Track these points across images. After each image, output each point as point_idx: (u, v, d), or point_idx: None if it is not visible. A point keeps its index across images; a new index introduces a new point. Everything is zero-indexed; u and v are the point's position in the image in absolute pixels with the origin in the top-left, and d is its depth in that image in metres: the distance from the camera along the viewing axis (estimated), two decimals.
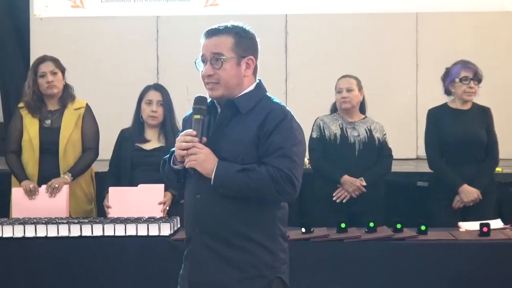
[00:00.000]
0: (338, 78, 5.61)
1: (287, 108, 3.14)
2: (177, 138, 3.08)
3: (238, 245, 3.05)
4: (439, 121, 5.44)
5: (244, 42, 3.10)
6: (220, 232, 3.05)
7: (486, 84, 7.75)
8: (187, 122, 3.22)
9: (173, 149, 3.14)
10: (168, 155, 3.21)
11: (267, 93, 3.19)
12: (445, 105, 5.51)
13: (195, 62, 3.13)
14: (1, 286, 4.38)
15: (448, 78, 5.43)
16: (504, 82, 7.98)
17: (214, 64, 3.05)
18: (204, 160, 3.01)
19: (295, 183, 3.01)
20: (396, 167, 6.23)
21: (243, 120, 3.07)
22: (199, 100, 3.08)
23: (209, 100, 3.12)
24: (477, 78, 5.37)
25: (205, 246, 3.07)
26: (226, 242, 3.05)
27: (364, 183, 5.30)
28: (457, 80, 5.38)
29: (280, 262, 3.13)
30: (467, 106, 5.44)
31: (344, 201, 5.32)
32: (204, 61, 3.09)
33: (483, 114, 5.47)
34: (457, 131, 5.34)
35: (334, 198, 5.32)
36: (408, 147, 7.61)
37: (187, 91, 8.04)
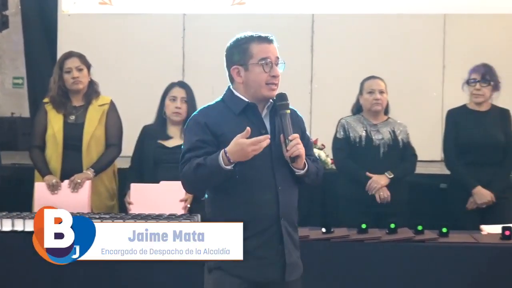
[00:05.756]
0: (365, 79, 5.56)
1: None
2: (242, 141, 3.16)
3: (296, 227, 3.43)
4: (457, 122, 5.45)
5: None
6: (293, 218, 3.39)
7: None
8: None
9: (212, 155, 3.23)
10: (198, 160, 3.23)
11: None
12: (464, 106, 5.52)
13: (279, 63, 3.34)
14: (19, 280, 4.41)
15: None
16: None
17: (279, 68, 3.34)
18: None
19: None
20: (421, 169, 6.20)
21: None
22: (283, 97, 3.33)
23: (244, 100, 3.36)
24: (486, 80, 5.35)
25: (287, 232, 3.33)
26: (294, 226, 3.40)
27: (391, 176, 5.28)
28: (467, 82, 5.39)
29: None
30: (485, 108, 5.44)
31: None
32: (268, 63, 3.31)
33: (502, 116, 5.46)
34: (475, 133, 5.35)
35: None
36: (433, 149, 7.54)
37: (212, 89, 8.04)
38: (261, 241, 3.29)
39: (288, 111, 3.31)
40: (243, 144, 3.14)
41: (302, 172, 3.34)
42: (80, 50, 5.52)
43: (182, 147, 3.33)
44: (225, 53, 3.42)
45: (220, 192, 3.30)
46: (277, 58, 3.33)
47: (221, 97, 3.43)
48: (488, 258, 4.29)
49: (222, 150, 3.17)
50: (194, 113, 3.40)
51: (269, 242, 3.31)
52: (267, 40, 3.34)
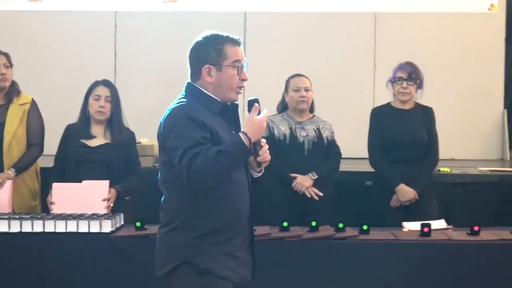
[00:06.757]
0: (290, 77, 5.61)
1: None
2: (257, 119, 3.26)
3: None
4: (381, 120, 5.50)
5: None
6: None
7: (444, 84, 7.87)
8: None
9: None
10: (216, 148, 3.16)
11: None
12: (388, 105, 5.58)
13: (245, 65, 3.34)
14: None
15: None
16: (462, 83, 8.05)
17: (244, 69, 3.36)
18: None
19: None
20: (349, 166, 6.26)
21: None
22: (256, 102, 3.29)
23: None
24: (412, 79, 5.42)
25: (251, 232, 3.41)
26: None
27: (316, 177, 5.31)
28: (393, 80, 5.46)
29: None
30: (408, 106, 5.50)
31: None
32: (240, 67, 3.32)
33: (424, 114, 5.52)
34: (398, 131, 5.40)
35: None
36: (364, 146, 7.63)
37: (144, 87, 8.03)
38: (239, 241, 3.33)
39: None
40: (260, 122, 3.24)
41: (259, 175, 3.44)
42: (10, 47, 5.47)
43: (177, 144, 3.17)
44: (194, 49, 3.35)
45: (199, 192, 3.23)
46: (244, 60, 3.35)
47: (184, 94, 3.34)
48: (407, 255, 4.33)
49: (241, 133, 3.18)
50: (176, 109, 3.25)
51: (245, 242, 3.36)
52: (238, 42, 3.34)
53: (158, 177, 3.37)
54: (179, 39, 7.82)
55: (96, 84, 5.20)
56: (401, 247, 4.38)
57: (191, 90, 3.34)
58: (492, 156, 8.00)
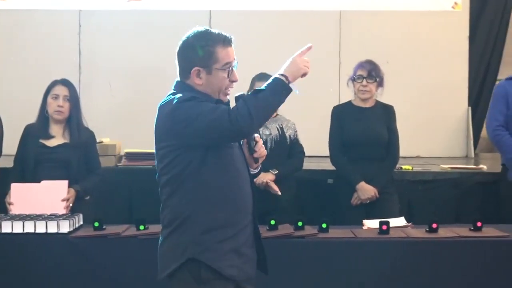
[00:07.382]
0: (255, 76, 5.60)
1: None
2: (298, 58, 3.23)
3: None
4: (342, 118, 5.51)
5: None
6: None
7: (409, 82, 7.90)
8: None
9: None
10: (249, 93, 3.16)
11: None
12: (349, 103, 5.60)
13: (235, 65, 3.25)
14: None
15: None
16: (427, 80, 8.10)
17: (234, 67, 3.28)
18: None
19: None
20: (312, 164, 6.27)
21: None
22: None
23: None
24: (372, 76, 5.43)
25: (256, 228, 3.36)
26: None
27: (276, 171, 5.31)
28: (353, 78, 5.47)
29: None
30: (369, 104, 5.52)
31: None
32: (231, 69, 3.24)
33: (385, 112, 5.54)
34: (358, 129, 5.41)
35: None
36: None
37: (109, 86, 7.99)
38: (245, 237, 3.26)
39: None
40: (303, 61, 3.21)
41: (256, 171, 3.37)
42: None
43: (198, 110, 3.06)
44: (184, 48, 3.23)
45: (203, 189, 3.16)
46: (235, 59, 3.25)
47: (174, 91, 3.23)
48: (365, 253, 4.33)
49: (277, 74, 3.14)
50: (175, 100, 3.12)
51: (250, 238, 3.31)
52: (230, 42, 3.25)
53: (158, 180, 3.26)
54: (144, 38, 7.87)
55: (54, 83, 5.17)
56: (359, 245, 4.37)
57: (181, 88, 3.23)
58: (457, 153, 8.07)
